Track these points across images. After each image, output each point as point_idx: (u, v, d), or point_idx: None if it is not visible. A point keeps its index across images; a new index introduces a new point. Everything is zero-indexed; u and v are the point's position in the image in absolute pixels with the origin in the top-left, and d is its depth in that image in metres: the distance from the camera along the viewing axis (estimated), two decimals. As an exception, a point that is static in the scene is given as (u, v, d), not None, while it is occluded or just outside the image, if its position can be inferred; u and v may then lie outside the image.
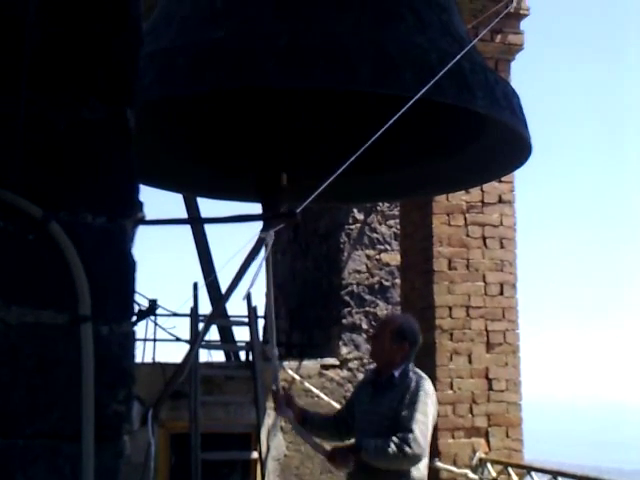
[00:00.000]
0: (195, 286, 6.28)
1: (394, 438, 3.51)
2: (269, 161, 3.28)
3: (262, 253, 2.82)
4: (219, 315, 6.61)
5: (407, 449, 3.49)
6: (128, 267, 1.25)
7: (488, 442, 5.81)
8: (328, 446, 3.93)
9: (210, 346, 6.71)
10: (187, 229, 7.47)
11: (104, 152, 1.26)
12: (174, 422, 5.96)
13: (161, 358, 6.78)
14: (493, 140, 3.14)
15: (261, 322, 8.51)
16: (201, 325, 6.12)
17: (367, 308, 7.35)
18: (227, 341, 7.12)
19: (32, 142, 1.21)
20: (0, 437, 1.15)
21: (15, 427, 1.16)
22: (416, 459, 3.55)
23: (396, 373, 3.71)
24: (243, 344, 6.87)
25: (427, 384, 3.72)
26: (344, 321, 7.25)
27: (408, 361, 3.77)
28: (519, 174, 5.91)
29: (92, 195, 1.24)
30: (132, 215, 1.27)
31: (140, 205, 1.33)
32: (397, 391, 3.66)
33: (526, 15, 6.20)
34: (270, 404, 6.29)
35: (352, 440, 3.81)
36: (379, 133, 2.56)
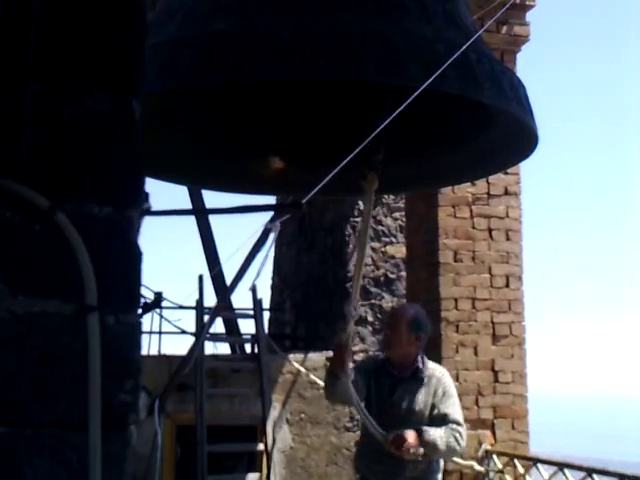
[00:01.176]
0: (200, 278, 6.29)
1: (450, 429, 3.55)
2: (275, 152, 3.28)
3: (268, 244, 2.82)
4: (224, 307, 6.62)
5: (462, 442, 3.57)
6: (134, 257, 1.25)
7: (494, 434, 5.81)
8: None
9: (215, 338, 6.73)
10: (192, 221, 7.48)
11: (110, 143, 1.26)
12: (180, 414, 5.98)
13: (167, 350, 6.81)
14: (499, 131, 3.13)
15: (266, 315, 8.54)
16: (206, 317, 6.14)
17: (373, 301, 7.36)
18: (232, 333, 7.13)
19: (38, 133, 1.21)
20: (7, 427, 1.15)
21: (22, 417, 1.16)
22: (458, 454, 3.63)
23: (420, 365, 3.71)
24: (248, 336, 6.88)
25: (448, 373, 3.81)
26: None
27: (422, 351, 3.77)
28: (525, 166, 5.88)
29: (98, 185, 1.24)
30: (138, 206, 1.27)
31: (146, 196, 1.33)
32: (427, 385, 3.67)
33: (532, 6, 6.18)
34: (276, 396, 6.31)
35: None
36: (384, 124, 2.55)
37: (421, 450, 3.50)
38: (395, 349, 3.79)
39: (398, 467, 3.58)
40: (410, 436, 3.48)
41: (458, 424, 3.57)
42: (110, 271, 1.22)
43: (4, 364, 1.16)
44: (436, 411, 3.60)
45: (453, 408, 3.61)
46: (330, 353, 6.96)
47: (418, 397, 3.65)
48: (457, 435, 3.54)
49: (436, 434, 3.51)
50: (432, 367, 3.76)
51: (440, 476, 3.74)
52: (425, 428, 3.53)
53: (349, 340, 3.51)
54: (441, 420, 3.59)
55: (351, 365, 3.56)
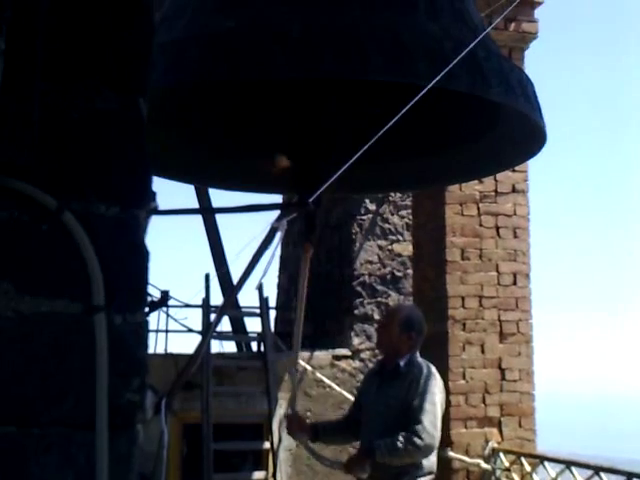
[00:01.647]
0: (207, 277, 6.29)
1: (403, 433, 3.53)
2: (282, 151, 3.27)
3: (274, 242, 2.83)
4: (231, 306, 6.62)
5: (418, 441, 3.50)
6: (141, 257, 1.25)
7: (501, 432, 5.80)
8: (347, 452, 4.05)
9: (222, 337, 6.72)
10: (199, 220, 7.47)
11: (117, 142, 1.26)
12: (186, 412, 5.98)
13: (173, 349, 6.81)
14: (507, 129, 3.12)
15: (272, 313, 8.53)
16: (213, 316, 6.14)
17: (379, 299, 7.34)
18: (239, 332, 7.12)
19: (46, 132, 1.21)
20: (14, 425, 1.15)
21: (29, 415, 1.16)
22: (428, 449, 3.57)
23: (402, 362, 3.73)
24: (255, 335, 6.88)
25: (433, 373, 3.74)
26: (356, 312, 7.25)
27: (414, 351, 3.79)
28: (533, 163, 5.87)
29: (105, 185, 1.24)
30: (145, 205, 1.27)
31: (153, 195, 1.33)
32: (403, 380, 3.68)
33: (540, 3, 6.15)
34: (282, 394, 6.31)
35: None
36: (392, 122, 2.54)
37: (367, 468, 3.63)
38: (385, 347, 3.87)
39: (384, 472, 3.62)
40: (352, 460, 3.79)
41: (418, 422, 3.54)
42: (117, 270, 1.22)
43: (12, 363, 1.16)
44: (407, 406, 3.60)
45: (419, 404, 3.57)
46: (336, 352, 6.98)
47: (393, 392, 3.68)
48: (411, 436, 3.49)
49: (381, 445, 3.54)
50: (417, 365, 3.73)
51: (428, 465, 3.70)
52: (376, 441, 3.57)
53: (294, 405, 3.99)
54: (407, 415, 3.58)
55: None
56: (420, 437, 3.51)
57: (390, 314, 4.11)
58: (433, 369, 3.77)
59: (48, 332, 1.17)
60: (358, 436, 3.94)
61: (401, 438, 3.51)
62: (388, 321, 3.93)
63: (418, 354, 3.81)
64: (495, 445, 5.73)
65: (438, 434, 3.65)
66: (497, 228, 6.00)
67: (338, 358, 6.88)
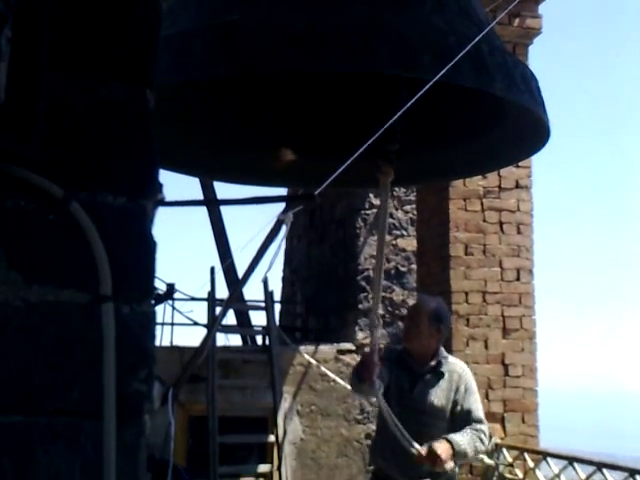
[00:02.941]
0: (212, 270, 6.31)
1: (473, 430, 3.50)
2: (287, 144, 3.28)
3: (280, 235, 2.82)
4: (236, 299, 6.64)
5: (486, 441, 3.56)
6: (149, 247, 1.26)
7: (504, 427, 5.81)
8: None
9: (227, 330, 6.74)
10: (204, 213, 7.49)
11: (124, 132, 1.26)
12: (191, 405, 6.00)
13: (179, 342, 6.83)
14: (511, 124, 3.12)
15: (278, 307, 8.55)
16: (218, 309, 6.15)
17: (383, 293, 7.35)
18: (244, 325, 7.14)
19: (53, 122, 1.21)
20: (21, 415, 1.16)
21: (36, 405, 1.17)
22: (487, 448, 3.62)
23: (441, 360, 3.66)
24: (260, 328, 6.90)
25: (468, 369, 3.75)
26: (360, 306, 7.25)
27: (441, 344, 3.73)
28: (536, 159, 5.87)
29: (112, 175, 1.24)
30: (152, 196, 1.28)
31: (160, 186, 1.34)
32: (449, 380, 3.62)
33: (545, -2, 6.14)
34: (287, 387, 6.33)
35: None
36: (396, 117, 2.54)
37: (452, 464, 3.42)
38: (415, 341, 3.70)
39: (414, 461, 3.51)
40: (442, 450, 3.38)
41: (481, 422, 3.54)
42: (124, 260, 1.22)
43: (19, 353, 1.16)
44: (458, 408, 3.55)
45: (476, 405, 3.58)
46: (340, 346, 6.98)
47: (439, 393, 3.59)
48: (482, 436, 3.50)
49: (464, 442, 3.44)
50: (453, 362, 3.71)
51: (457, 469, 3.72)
52: (455, 439, 3.43)
53: (375, 351, 3.38)
54: (463, 417, 3.54)
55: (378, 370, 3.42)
56: (486, 436, 3.55)
57: (418, 307, 3.91)
58: (466, 367, 3.77)
59: (55, 322, 1.18)
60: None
61: (475, 436, 3.50)
62: (415, 314, 3.78)
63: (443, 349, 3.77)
64: (498, 441, 5.74)
65: None
66: (501, 224, 6.01)
67: (342, 352, 6.89)
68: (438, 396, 3.59)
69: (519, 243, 6.02)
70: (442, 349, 3.73)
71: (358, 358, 6.87)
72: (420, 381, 3.64)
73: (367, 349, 3.57)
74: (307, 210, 8.40)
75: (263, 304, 6.54)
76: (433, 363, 3.66)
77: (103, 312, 1.19)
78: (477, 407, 3.59)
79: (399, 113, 2.51)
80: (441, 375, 3.63)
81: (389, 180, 3.08)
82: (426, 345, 3.66)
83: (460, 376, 3.62)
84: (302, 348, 6.67)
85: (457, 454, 3.42)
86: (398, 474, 3.59)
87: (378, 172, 3.05)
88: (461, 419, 3.54)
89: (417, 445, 3.40)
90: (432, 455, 3.36)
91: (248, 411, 6.31)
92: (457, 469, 3.72)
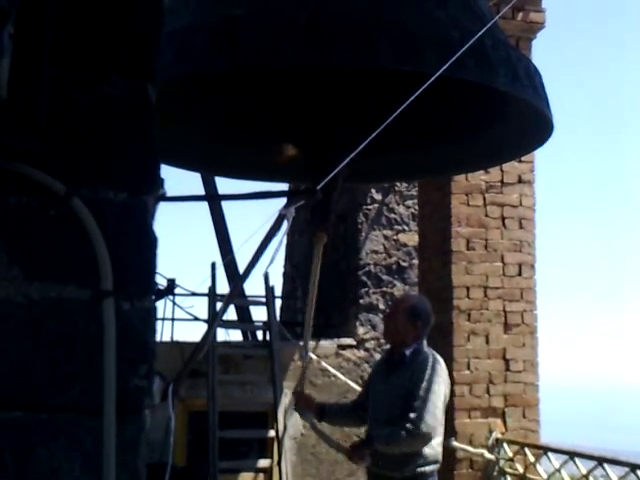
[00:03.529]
0: (213, 266, 6.30)
1: (401, 422, 3.56)
2: (288, 139, 3.27)
3: (282, 230, 2.83)
4: (237, 294, 6.63)
5: (416, 430, 3.54)
6: (149, 243, 1.25)
7: (505, 422, 5.81)
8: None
9: (228, 325, 6.74)
10: (205, 208, 7.48)
11: (126, 128, 1.26)
12: (192, 400, 6.00)
13: (179, 337, 6.82)
14: (514, 119, 3.11)
15: (278, 302, 8.54)
16: (219, 304, 6.15)
17: (384, 288, 7.35)
18: (244, 320, 7.14)
19: (54, 118, 1.21)
20: (22, 410, 1.16)
21: (37, 401, 1.17)
22: (426, 438, 3.59)
23: (407, 351, 3.75)
24: (260, 323, 6.89)
25: (439, 361, 3.76)
26: (361, 301, 7.25)
27: (420, 340, 3.80)
28: (539, 154, 5.85)
29: (114, 171, 1.24)
30: (153, 191, 1.27)
31: (161, 181, 1.33)
32: (408, 369, 3.70)
33: (548, -7, 6.12)
34: (287, 383, 6.33)
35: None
36: (399, 111, 2.54)
37: (368, 459, 3.70)
38: (392, 336, 3.89)
39: (390, 461, 3.64)
40: (357, 446, 3.82)
41: (417, 410, 3.56)
42: (125, 256, 1.22)
43: (20, 349, 1.16)
44: (409, 395, 3.62)
45: (420, 393, 3.61)
46: (341, 341, 6.98)
47: (398, 381, 3.70)
48: (409, 425, 3.53)
49: (380, 435, 3.64)
50: (423, 354, 3.75)
51: (433, 453, 3.73)
52: (375, 431, 3.69)
53: (304, 382, 4.12)
54: (407, 403, 3.61)
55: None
56: (417, 426, 3.54)
57: (396, 303, 4.16)
58: (439, 358, 3.78)
59: (56, 317, 1.18)
60: (364, 422, 3.97)
61: (398, 427, 3.56)
62: (394, 310, 3.97)
63: (425, 344, 3.82)
64: (499, 435, 5.74)
65: (440, 423, 3.66)
66: (503, 219, 5.99)
67: (343, 347, 6.89)
68: (398, 385, 3.69)
69: (521, 238, 6.01)
70: (423, 343, 3.79)
71: (359, 354, 6.90)
72: (390, 373, 3.79)
73: (298, 387, 4.22)
74: (308, 205, 8.39)
75: (264, 299, 6.54)
76: (400, 355, 3.76)
77: (104, 308, 1.19)
78: (421, 396, 3.59)
79: (402, 107, 2.50)
80: (402, 365, 3.74)
81: (322, 243, 3.46)
82: (402, 340, 3.78)
83: (418, 364, 3.69)
84: (302, 343, 6.66)
85: (378, 444, 3.65)
86: (386, 470, 3.69)
87: (313, 236, 3.41)
88: (407, 405, 3.60)
89: (344, 446, 3.97)
90: (350, 454, 3.82)
91: (248, 406, 6.31)
92: (433, 467, 3.72)
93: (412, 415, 3.55)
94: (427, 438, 3.59)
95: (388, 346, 4.19)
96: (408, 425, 3.54)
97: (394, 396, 3.69)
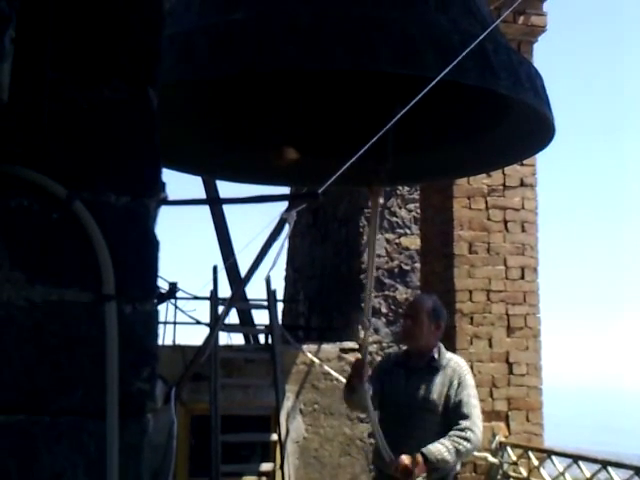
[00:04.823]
0: (215, 269, 6.31)
1: (456, 432, 3.49)
2: (290, 143, 3.27)
3: (283, 234, 2.83)
4: (239, 298, 6.63)
5: (473, 437, 3.52)
6: (151, 246, 1.26)
7: (508, 426, 5.80)
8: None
9: (230, 329, 6.74)
10: (207, 212, 7.49)
11: (127, 132, 1.26)
12: (194, 404, 6.00)
13: (181, 341, 6.83)
14: (516, 122, 3.11)
15: (280, 305, 8.54)
16: (221, 308, 6.15)
17: (386, 292, 7.35)
18: (246, 324, 7.14)
19: (56, 122, 1.21)
20: (25, 414, 1.16)
21: (40, 404, 1.17)
22: (479, 442, 3.59)
23: (435, 355, 3.69)
24: (262, 327, 6.89)
25: (467, 366, 3.76)
26: (363, 305, 7.25)
27: (439, 341, 3.76)
28: (541, 157, 5.84)
29: (115, 175, 1.24)
30: (155, 194, 1.27)
31: (162, 185, 1.33)
32: (443, 375, 3.64)
33: (549, -4, 6.12)
34: (289, 386, 6.33)
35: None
36: (400, 115, 2.53)
37: (424, 474, 3.47)
38: (416, 339, 3.75)
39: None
40: (409, 462, 3.46)
41: (467, 418, 3.53)
42: (127, 260, 1.22)
43: (22, 352, 1.16)
44: (451, 402, 3.58)
45: (467, 399, 3.59)
46: (343, 345, 6.98)
47: (432, 387, 3.63)
48: (467, 434, 3.49)
49: (441, 450, 3.46)
50: (449, 357, 3.74)
51: (458, 467, 3.71)
52: (430, 451, 3.46)
53: (365, 354, 3.59)
54: (454, 411, 3.57)
55: (369, 373, 3.64)
56: (474, 432, 3.53)
57: (416, 305, 3.93)
58: (464, 362, 3.78)
59: (59, 321, 1.18)
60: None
61: (457, 439, 3.49)
62: (416, 313, 3.80)
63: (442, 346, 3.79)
64: (502, 439, 5.73)
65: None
66: (505, 222, 5.99)
67: (345, 351, 6.88)
68: (431, 390, 3.63)
69: (523, 241, 6.01)
70: (441, 345, 3.77)
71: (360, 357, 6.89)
72: (414, 377, 3.69)
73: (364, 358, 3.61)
74: (310, 208, 8.40)
75: (266, 303, 6.54)
76: (427, 358, 3.70)
77: (106, 311, 1.19)
78: (468, 401, 3.58)
79: (403, 112, 2.50)
80: (435, 370, 3.67)
81: (379, 199, 3.27)
82: (426, 342, 3.72)
83: (454, 370, 3.65)
84: (305, 347, 6.66)
85: (433, 463, 3.45)
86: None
87: (369, 191, 3.14)
88: (452, 412, 3.56)
89: (392, 457, 3.49)
90: (405, 471, 3.46)
91: (251, 410, 6.31)
92: (459, 467, 3.73)
93: (467, 423, 3.52)
94: (479, 442, 3.60)
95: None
96: (465, 434, 3.50)
97: (429, 403, 3.59)
